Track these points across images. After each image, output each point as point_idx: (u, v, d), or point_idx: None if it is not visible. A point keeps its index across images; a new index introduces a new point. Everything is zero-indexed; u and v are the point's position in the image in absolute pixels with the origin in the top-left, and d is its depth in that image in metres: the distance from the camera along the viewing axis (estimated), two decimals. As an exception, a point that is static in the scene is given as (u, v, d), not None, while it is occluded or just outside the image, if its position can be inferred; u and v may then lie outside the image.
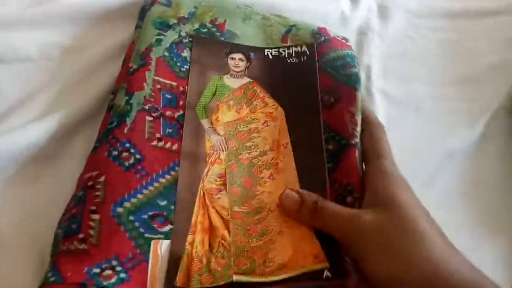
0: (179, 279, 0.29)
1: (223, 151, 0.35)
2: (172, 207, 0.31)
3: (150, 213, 0.31)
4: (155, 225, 0.30)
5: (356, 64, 0.40)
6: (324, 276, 0.30)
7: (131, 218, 0.30)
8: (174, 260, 0.29)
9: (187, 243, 0.30)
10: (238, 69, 0.38)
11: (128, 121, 0.33)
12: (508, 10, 0.54)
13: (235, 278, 0.29)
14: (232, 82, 0.38)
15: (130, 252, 0.29)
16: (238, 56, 0.39)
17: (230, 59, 0.38)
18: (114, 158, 0.31)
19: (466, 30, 0.52)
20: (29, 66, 0.39)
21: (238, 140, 0.35)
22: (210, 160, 0.34)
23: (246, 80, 0.38)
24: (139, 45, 0.37)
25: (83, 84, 0.39)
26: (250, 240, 0.31)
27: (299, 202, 0.31)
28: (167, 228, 0.31)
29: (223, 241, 0.31)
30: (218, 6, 0.41)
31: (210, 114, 0.36)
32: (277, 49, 0.40)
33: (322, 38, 0.41)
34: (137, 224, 0.30)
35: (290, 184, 0.33)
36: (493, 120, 0.45)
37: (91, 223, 0.29)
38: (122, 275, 0.28)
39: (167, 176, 0.32)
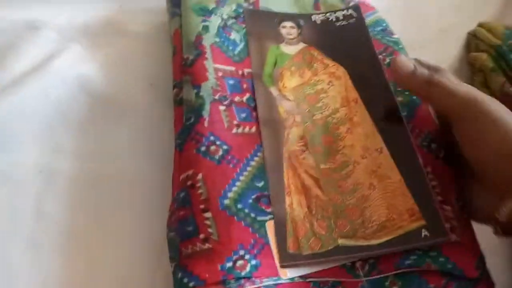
0: (290, 244, 0.29)
1: (297, 114, 0.35)
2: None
3: (253, 197, 0.31)
4: (263, 207, 0.31)
5: (390, 28, 0.42)
6: (422, 236, 0.29)
7: (239, 206, 0.30)
8: (280, 225, 0.30)
9: (286, 206, 0.31)
10: (291, 36, 0.39)
11: (205, 114, 0.33)
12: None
13: (341, 242, 0.30)
14: (289, 49, 0.39)
15: (252, 239, 0.29)
16: (288, 24, 0.40)
17: (282, 27, 0.39)
18: (204, 154, 0.31)
19: None
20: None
21: (308, 102, 0.36)
22: (287, 124, 0.34)
23: (302, 45, 0.39)
24: (186, 34, 0.37)
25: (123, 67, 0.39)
26: (343, 197, 0.31)
27: (413, 69, 0.31)
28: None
29: (319, 201, 0.31)
30: None
31: (276, 82, 0.37)
32: (324, 14, 0.41)
33: (352, 3, 0.43)
34: (246, 210, 0.30)
35: (369, 135, 0.34)
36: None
37: (207, 222, 0.29)
38: (253, 261, 0.28)
39: (256, 158, 0.32)
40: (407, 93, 0.36)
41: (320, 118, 0.35)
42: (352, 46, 0.39)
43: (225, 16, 0.39)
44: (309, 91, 0.36)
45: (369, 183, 0.32)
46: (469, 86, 0.30)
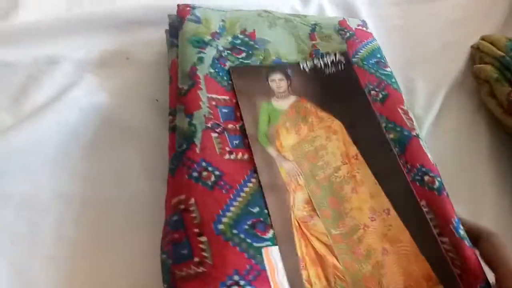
0: None
1: (299, 176, 0.34)
2: (265, 211, 0.32)
3: (249, 222, 0.31)
4: (258, 233, 0.30)
5: (385, 60, 0.43)
6: None
7: (235, 231, 0.30)
8: None
9: (304, 280, 0.30)
10: (281, 90, 0.38)
11: (197, 141, 0.33)
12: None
13: None
14: (281, 104, 0.38)
15: (247, 264, 0.29)
16: (277, 76, 0.39)
17: (271, 81, 0.39)
18: (196, 179, 0.31)
19: (412, 16, 0.55)
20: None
21: (308, 161, 0.35)
22: (291, 188, 0.34)
23: (293, 98, 0.38)
24: (182, 65, 0.38)
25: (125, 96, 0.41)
26: (359, 265, 0.31)
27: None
28: (270, 233, 0.31)
29: (336, 271, 0.30)
30: (242, 17, 0.42)
31: (273, 141, 0.36)
32: (311, 61, 0.41)
33: (347, 34, 0.44)
34: (242, 236, 0.30)
35: (374, 194, 0.34)
36: (448, 97, 0.47)
37: (201, 246, 0.29)
38: (248, 287, 0.28)
39: (250, 184, 0.32)
40: (398, 129, 0.37)
41: (323, 178, 0.35)
42: (344, 95, 0.39)
43: (220, 48, 0.40)
44: (308, 148, 0.36)
45: (382, 248, 0.31)
46: None
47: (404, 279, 0.30)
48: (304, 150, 0.36)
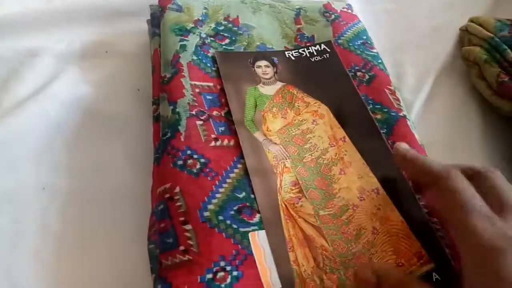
0: None
1: (286, 159, 0.34)
2: (252, 195, 0.32)
3: (235, 208, 0.31)
4: (245, 218, 0.30)
5: (371, 41, 0.43)
6: (434, 280, 0.29)
7: (221, 218, 0.30)
8: (287, 285, 0.28)
9: (291, 262, 0.29)
10: (267, 76, 0.39)
11: (181, 129, 0.33)
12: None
13: None
14: (267, 90, 0.38)
15: (233, 250, 0.29)
16: (263, 63, 0.39)
17: (257, 67, 0.39)
18: (181, 167, 0.31)
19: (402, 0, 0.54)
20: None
21: (296, 144, 0.35)
22: (278, 171, 0.33)
23: (279, 84, 0.38)
24: (164, 53, 0.38)
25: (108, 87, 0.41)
26: (349, 245, 0.30)
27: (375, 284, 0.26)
28: (256, 218, 0.31)
29: (324, 252, 0.30)
30: (225, 4, 0.42)
31: (259, 126, 0.36)
32: (297, 50, 0.41)
33: (332, 16, 0.44)
34: (228, 222, 0.30)
35: (362, 174, 0.34)
36: (438, 81, 0.46)
37: (187, 234, 0.29)
38: (235, 273, 0.28)
39: (236, 170, 0.32)
40: (385, 110, 0.37)
41: (311, 160, 0.34)
42: (330, 81, 0.39)
43: (203, 35, 0.40)
44: (295, 132, 0.36)
45: (372, 227, 0.31)
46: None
47: (395, 257, 0.30)
48: (291, 133, 0.36)
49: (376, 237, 0.30)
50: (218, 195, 0.31)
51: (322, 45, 0.41)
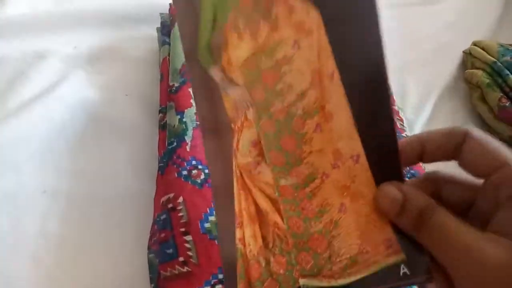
0: None
1: (249, 107, 0.24)
2: None
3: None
4: None
5: None
6: (401, 274, 0.23)
7: None
8: (228, 267, 0.25)
9: (237, 240, 0.25)
10: None
11: (187, 139, 0.33)
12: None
13: (302, 282, 0.24)
14: None
15: None
16: None
17: None
18: (185, 178, 0.31)
19: (406, 19, 0.54)
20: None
21: (264, 84, 0.24)
22: (236, 126, 0.25)
23: None
24: (173, 63, 0.38)
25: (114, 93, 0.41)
26: (307, 223, 0.24)
27: (401, 204, 0.22)
28: None
29: (277, 230, 0.25)
30: None
31: (218, 56, 0.24)
32: None
33: None
34: None
35: (344, 134, 0.23)
36: (440, 101, 0.46)
37: (187, 245, 0.29)
38: None
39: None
40: None
41: (281, 109, 0.24)
42: None
43: None
44: (266, 64, 0.24)
45: (340, 204, 0.24)
46: (478, 233, 0.21)
47: (359, 243, 0.24)
48: (260, 66, 0.24)
49: (342, 217, 0.24)
50: None
51: None
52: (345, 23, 0.22)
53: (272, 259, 0.25)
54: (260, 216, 0.25)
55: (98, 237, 0.33)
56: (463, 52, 0.51)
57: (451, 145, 0.24)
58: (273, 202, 0.25)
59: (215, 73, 0.25)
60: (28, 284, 0.30)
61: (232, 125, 0.25)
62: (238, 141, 0.25)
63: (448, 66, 0.50)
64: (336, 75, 0.23)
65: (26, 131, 0.37)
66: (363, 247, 0.24)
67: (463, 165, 0.24)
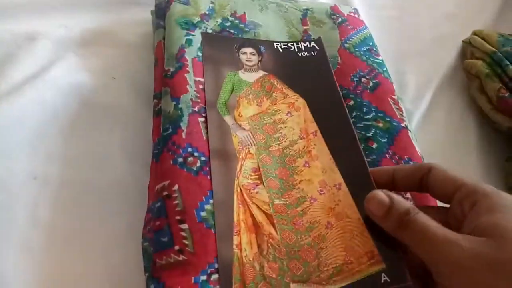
0: None
1: (252, 145, 0.33)
2: None
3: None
4: None
5: (377, 48, 0.42)
6: (382, 281, 0.27)
7: None
8: (225, 268, 0.27)
9: (234, 246, 0.29)
10: (251, 63, 0.38)
11: (183, 126, 0.32)
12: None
13: (293, 286, 0.27)
14: (248, 77, 0.37)
15: None
16: (248, 50, 0.39)
17: (242, 53, 0.38)
18: (180, 165, 0.31)
19: (408, 7, 0.54)
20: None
21: (265, 132, 0.34)
22: (241, 156, 0.32)
23: (261, 73, 0.38)
24: (169, 47, 0.37)
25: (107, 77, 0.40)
26: (298, 236, 0.29)
27: (387, 207, 0.27)
28: None
29: (271, 240, 0.29)
30: (232, 0, 0.42)
31: (232, 111, 0.35)
32: (286, 44, 0.40)
33: (339, 19, 0.43)
34: None
35: (327, 169, 0.32)
36: (438, 91, 0.46)
37: (183, 233, 0.28)
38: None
39: None
40: (388, 119, 0.37)
41: (277, 150, 0.33)
42: (313, 77, 0.38)
43: (209, 30, 0.39)
44: (267, 121, 0.35)
45: (326, 222, 0.30)
46: (450, 238, 0.24)
47: (345, 254, 0.28)
48: (263, 121, 0.35)
49: (329, 232, 0.29)
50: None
51: (312, 42, 0.41)
52: (321, 106, 0.36)
53: (265, 264, 0.28)
54: (256, 227, 0.30)
55: (90, 225, 0.32)
56: (463, 41, 0.50)
57: (417, 175, 0.29)
58: (268, 216, 0.30)
59: (228, 120, 0.34)
60: (17, 271, 0.30)
61: (237, 155, 0.33)
62: (241, 166, 0.32)
63: (447, 56, 0.50)
64: (318, 133, 0.35)
65: (16, 115, 0.35)
66: (347, 258, 0.28)
67: (432, 194, 0.29)
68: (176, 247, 0.28)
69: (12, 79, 0.37)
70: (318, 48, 0.40)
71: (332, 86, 0.38)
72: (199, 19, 0.39)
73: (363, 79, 0.39)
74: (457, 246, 0.24)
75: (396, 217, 0.26)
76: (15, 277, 0.30)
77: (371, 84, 0.39)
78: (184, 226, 0.29)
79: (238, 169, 0.32)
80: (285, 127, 0.35)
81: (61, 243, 0.31)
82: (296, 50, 0.40)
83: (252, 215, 0.30)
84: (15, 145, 0.35)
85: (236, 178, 0.32)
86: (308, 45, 0.40)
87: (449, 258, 0.24)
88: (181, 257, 0.28)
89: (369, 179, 0.31)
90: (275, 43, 0.40)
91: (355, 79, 0.39)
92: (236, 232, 0.29)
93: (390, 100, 0.38)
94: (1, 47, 0.39)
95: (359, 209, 0.30)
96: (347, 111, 0.36)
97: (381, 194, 0.27)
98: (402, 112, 0.38)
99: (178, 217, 0.29)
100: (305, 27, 0.42)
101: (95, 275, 0.30)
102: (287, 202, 0.31)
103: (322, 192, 0.32)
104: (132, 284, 0.30)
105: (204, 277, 0.27)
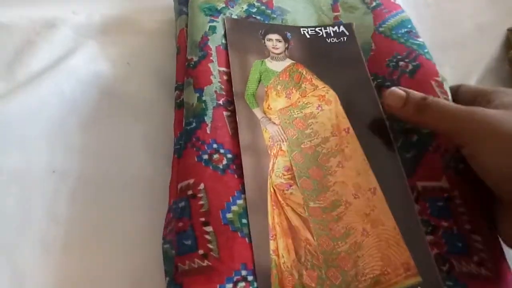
0: None
1: (283, 141, 0.32)
2: None
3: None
4: None
5: (416, 31, 0.39)
6: None
7: (244, 221, 0.27)
8: (262, 276, 0.26)
9: (271, 251, 0.27)
10: (277, 51, 0.36)
11: (207, 120, 0.30)
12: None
13: None
14: (275, 65, 0.35)
15: None
16: (274, 36, 0.36)
17: (267, 40, 0.36)
18: (206, 162, 0.29)
19: None
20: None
21: (296, 127, 0.32)
22: (272, 153, 0.31)
23: (288, 61, 0.35)
24: (192, 34, 0.35)
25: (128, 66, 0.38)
26: (335, 243, 0.28)
27: (404, 98, 0.30)
28: None
29: (308, 246, 0.28)
30: None
31: (260, 102, 0.33)
32: (314, 28, 0.38)
33: (374, 3, 0.40)
34: None
35: (361, 171, 0.31)
36: (480, 84, 0.42)
37: (207, 237, 0.26)
38: (256, 284, 0.26)
39: None
40: None
41: (309, 147, 0.32)
42: (343, 67, 0.36)
43: (234, 17, 0.37)
44: (297, 115, 0.33)
45: (362, 228, 0.29)
46: (471, 107, 0.27)
47: (382, 264, 0.27)
48: (293, 115, 0.33)
49: (365, 240, 0.28)
50: (243, 195, 0.29)
51: (341, 27, 0.38)
52: (352, 99, 0.34)
53: (304, 272, 0.27)
54: (292, 231, 0.28)
55: (109, 222, 0.31)
56: (507, 30, 0.47)
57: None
58: (304, 220, 0.29)
59: (258, 113, 0.33)
60: (34, 267, 0.29)
61: (269, 151, 0.31)
62: (273, 164, 0.31)
63: (489, 46, 0.46)
64: (351, 130, 0.32)
65: (34, 106, 0.34)
66: (384, 268, 0.27)
67: None
68: (200, 251, 0.26)
69: (30, 68, 0.36)
70: (348, 33, 0.37)
71: (364, 77, 0.35)
72: (224, 5, 0.37)
73: (400, 63, 0.35)
74: (480, 111, 0.26)
75: (414, 104, 0.29)
76: (32, 274, 0.29)
77: (410, 67, 0.35)
78: (209, 228, 0.27)
79: (270, 167, 0.30)
80: (316, 122, 0.33)
81: (79, 240, 0.30)
82: (325, 35, 0.37)
83: (287, 218, 0.29)
84: (33, 137, 0.34)
85: (269, 177, 0.30)
86: (337, 30, 0.38)
87: (474, 121, 0.26)
88: (205, 263, 0.26)
89: (405, 186, 0.30)
90: (302, 29, 0.37)
91: (391, 64, 0.36)
92: (272, 237, 0.28)
93: (433, 83, 0.34)
94: (19, 34, 0.38)
95: (395, 217, 0.29)
96: (381, 107, 0.33)
97: (398, 90, 0.31)
98: (448, 96, 0.34)
99: (202, 219, 0.27)
100: (335, 14, 0.40)
101: (113, 274, 0.29)
102: (322, 205, 0.29)
103: (356, 196, 0.30)
104: (153, 285, 0.29)
105: (230, 285, 0.25)
